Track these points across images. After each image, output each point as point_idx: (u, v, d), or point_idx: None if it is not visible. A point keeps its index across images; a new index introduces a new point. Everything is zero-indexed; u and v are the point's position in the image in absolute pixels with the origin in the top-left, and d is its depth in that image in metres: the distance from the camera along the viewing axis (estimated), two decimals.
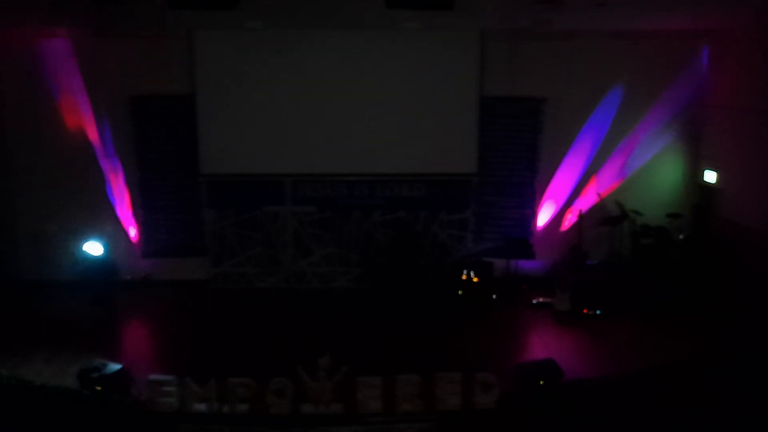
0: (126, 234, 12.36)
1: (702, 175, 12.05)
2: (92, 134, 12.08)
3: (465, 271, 11.57)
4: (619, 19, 10.74)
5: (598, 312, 10.93)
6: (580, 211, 12.02)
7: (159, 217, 12.32)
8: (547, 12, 9.70)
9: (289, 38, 11.66)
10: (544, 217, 12.53)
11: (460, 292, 11.51)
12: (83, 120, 12.03)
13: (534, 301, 11.44)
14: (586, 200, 12.37)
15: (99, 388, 7.80)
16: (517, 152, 12.27)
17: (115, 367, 8.19)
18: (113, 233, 12.17)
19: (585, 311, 10.92)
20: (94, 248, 11.13)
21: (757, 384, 7.95)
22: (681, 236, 11.73)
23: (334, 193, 12.31)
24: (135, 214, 12.34)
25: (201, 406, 7.66)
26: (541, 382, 7.77)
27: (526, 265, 12.27)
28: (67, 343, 9.84)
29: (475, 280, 11.51)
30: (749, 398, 7.66)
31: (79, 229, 11.64)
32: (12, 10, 10.10)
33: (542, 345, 10.01)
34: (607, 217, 12.10)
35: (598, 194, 12.31)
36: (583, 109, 12.14)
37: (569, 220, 12.42)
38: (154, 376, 7.80)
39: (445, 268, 12.21)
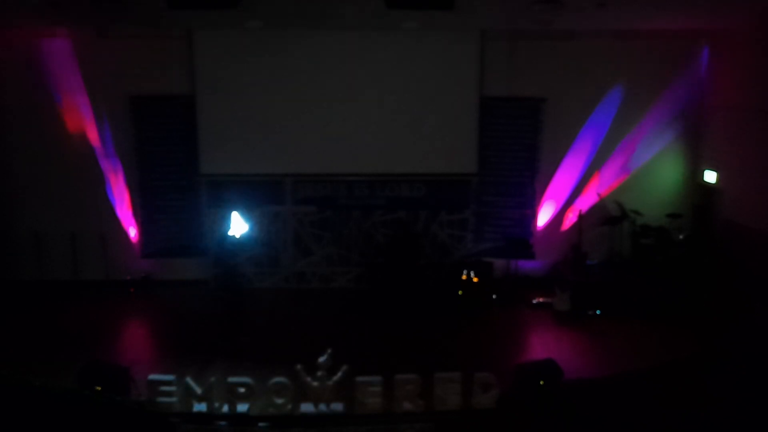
0: (126, 234, 12.36)
1: (702, 175, 12.05)
2: (92, 134, 12.09)
3: (465, 271, 11.57)
4: (619, 19, 10.74)
5: (598, 312, 10.93)
6: (580, 211, 12.01)
7: (159, 217, 12.32)
8: (547, 12, 9.70)
9: (289, 38, 11.66)
10: (544, 217, 12.53)
11: (460, 292, 11.51)
12: (83, 120, 12.03)
13: (534, 301, 11.45)
14: (586, 200, 12.37)
15: (99, 388, 7.79)
16: (517, 152, 12.27)
17: None
18: (113, 233, 12.24)
19: (585, 311, 10.93)
20: (239, 224, 10.84)
21: (757, 384, 7.95)
22: (681, 236, 11.72)
23: (334, 193, 12.31)
24: (135, 214, 12.34)
25: (201, 406, 7.67)
26: (541, 382, 7.77)
27: (526, 265, 12.28)
28: (67, 343, 9.85)
29: (475, 280, 11.51)
30: (749, 398, 7.67)
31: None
32: (12, 10, 10.09)
33: (542, 345, 10.00)
34: (607, 217, 12.10)
35: (598, 194, 12.31)
36: (583, 109, 12.14)
37: (569, 220, 12.42)
38: (154, 376, 7.80)
39: (445, 268, 12.21)
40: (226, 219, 10.94)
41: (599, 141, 12.24)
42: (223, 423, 7.57)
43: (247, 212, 10.95)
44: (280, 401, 7.65)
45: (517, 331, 10.68)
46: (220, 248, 10.86)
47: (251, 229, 11.03)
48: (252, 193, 12.22)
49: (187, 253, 12.41)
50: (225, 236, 10.78)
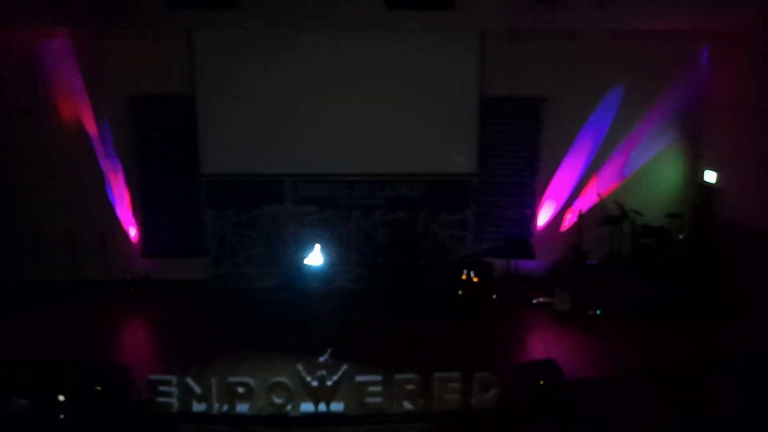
0: (126, 234, 12.36)
1: (702, 175, 12.05)
2: (92, 134, 12.08)
3: (465, 271, 11.56)
4: (619, 19, 10.74)
5: (598, 312, 10.93)
6: (580, 211, 12.02)
7: (159, 217, 12.31)
8: (547, 12, 9.70)
9: (289, 38, 11.65)
10: (544, 217, 12.53)
11: (460, 292, 11.50)
12: (83, 120, 12.03)
13: (534, 301, 11.45)
14: (586, 200, 12.37)
15: (99, 388, 7.80)
16: (517, 152, 12.27)
17: None
18: (113, 233, 12.25)
19: (585, 311, 10.93)
20: (315, 258, 11.04)
21: (757, 384, 7.96)
22: (681, 236, 11.73)
23: (334, 193, 12.31)
24: (135, 214, 12.34)
25: (201, 406, 7.68)
26: (541, 382, 7.77)
27: (526, 265, 12.27)
28: (67, 343, 9.85)
29: (475, 280, 11.50)
30: (749, 398, 7.67)
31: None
32: (12, 10, 10.10)
33: (542, 345, 10.00)
34: (607, 217, 12.10)
35: (598, 194, 12.31)
36: (583, 109, 12.13)
37: (569, 220, 12.42)
38: (154, 376, 7.81)
39: (445, 268, 12.21)
40: (306, 248, 11.11)
41: (599, 141, 12.23)
42: (223, 423, 7.57)
43: (325, 250, 11.31)
44: (280, 401, 7.66)
45: (517, 331, 10.67)
46: (291, 268, 11.07)
47: (324, 264, 11.29)
48: (252, 193, 12.24)
49: (187, 253, 12.41)
50: (300, 262, 10.96)
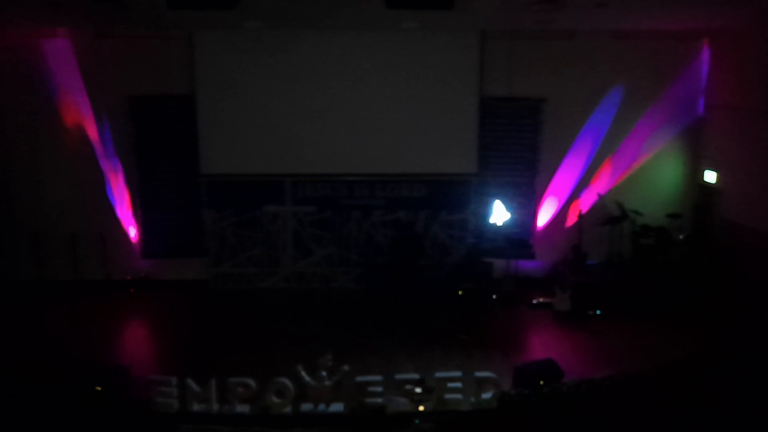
0: (126, 234, 12.36)
1: (702, 175, 12.05)
2: (92, 134, 12.08)
3: (465, 271, 11.56)
4: (619, 19, 10.75)
5: (598, 312, 10.93)
6: (580, 211, 12.02)
7: (159, 217, 12.32)
8: (547, 12, 9.70)
9: (289, 38, 11.66)
10: (544, 217, 12.53)
11: (460, 292, 11.50)
12: (83, 120, 12.03)
13: (534, 301, 11.45)
14: (586, 200, 12.37)
15: (99, 388, 7.79)
16: (517, 152, 12.27)
17: None
18: (113, 233, 12.24)
19: (585, 311, 10.93)
20: (501, 213, 11.10)
21: (757, 384, 7.95)
22: (681, 236, 11.73)
23: (334, 193, 12.31)
24: (135, 214, 12.34)
25: (201, 406, 7.67)
26: (541, 382, 7.77)
27: (526, 265, 12.27)
28: (67, 343, 9.85)
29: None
30: (749, 398, 7.67)
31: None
32: (12, 10, 10.10)
33: (542, 345, 10.01)
34: (607, 217, 12.10)
35: (598, 194, 12.31)
36: (583, 109, 12.14)
37: (569, 220, 12.42)
38: (154, 377, 7.80)
39: (446, 268, 12.21)
40: (488, 207, 11.25)
41: (599, 141, 12.24)
42: (223, 423, 7.57)
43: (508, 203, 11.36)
44: (280, 401, 7.65)
45: (517, 331, 10.68)
46: (480, 236, 11.21)
47: (511, 217, 11.37)
48: (252, 193, 12.24)
49: (187, 254, 12.41)
50: (486, 224, 11.09)
